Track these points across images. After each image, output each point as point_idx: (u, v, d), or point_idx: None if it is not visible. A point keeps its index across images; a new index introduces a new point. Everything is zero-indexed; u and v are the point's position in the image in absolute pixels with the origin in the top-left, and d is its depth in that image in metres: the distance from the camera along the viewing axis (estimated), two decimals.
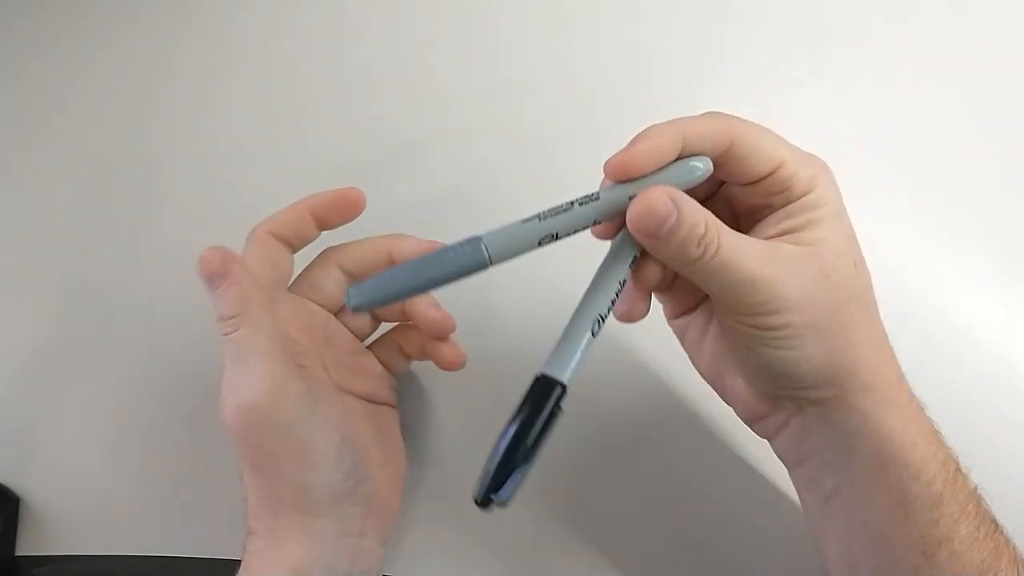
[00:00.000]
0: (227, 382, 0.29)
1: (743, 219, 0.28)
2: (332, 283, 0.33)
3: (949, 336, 0.38)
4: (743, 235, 0.25)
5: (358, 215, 0.33)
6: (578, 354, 0.24)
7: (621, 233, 0.26)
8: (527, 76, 0.45)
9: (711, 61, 0.44)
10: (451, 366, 0.33)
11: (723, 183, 0.29)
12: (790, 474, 0.30)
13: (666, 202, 0.23)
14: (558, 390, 0.23)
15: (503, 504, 0.22)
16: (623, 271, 0.26)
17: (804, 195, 0.25)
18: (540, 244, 0.24)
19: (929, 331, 0.38)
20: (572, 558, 0.36)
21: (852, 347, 0.25)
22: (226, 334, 0.29)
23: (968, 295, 0.39)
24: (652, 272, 0.27)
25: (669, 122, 0.25)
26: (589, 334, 0.24)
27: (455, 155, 0.44)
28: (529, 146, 0.44)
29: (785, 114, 0.42)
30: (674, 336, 0.32)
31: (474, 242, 0.23)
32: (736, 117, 0.26)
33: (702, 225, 0.24)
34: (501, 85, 0.45)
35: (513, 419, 0.23)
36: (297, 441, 0.29)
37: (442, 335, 0.33)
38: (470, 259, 0.23)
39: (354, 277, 0.33)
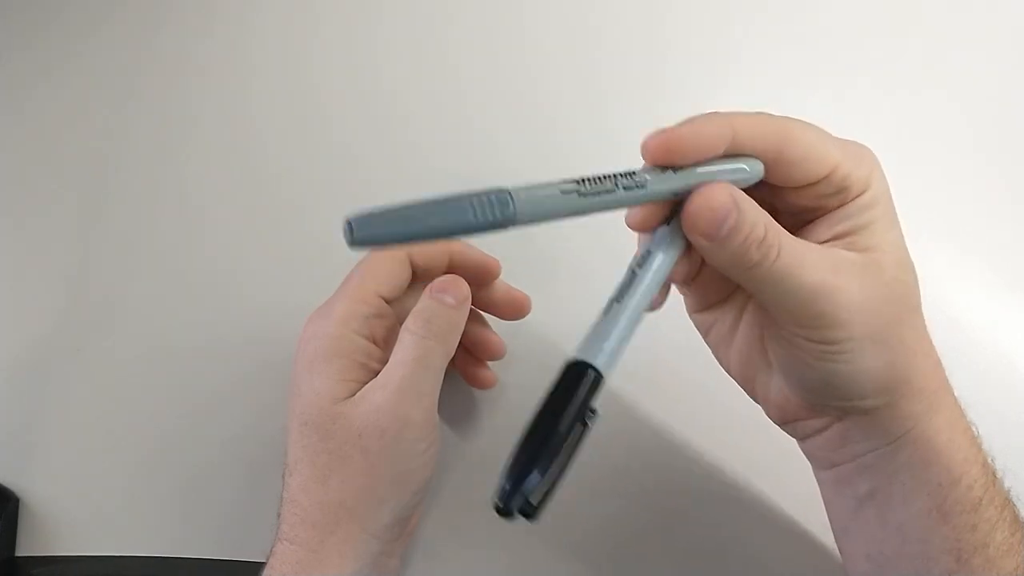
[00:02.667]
0: (386, 377, 0.29)
1: (786, 219, 0.26)
2: (405, 278, 0.33)
3: (948, 336, 0.38)
4: (802, 240, 0.23)
5: (487, 284, 0.34)
6: (617, 341, 0.21)
7: (671, 225, 0.24)
8: (541, 74, 0.45)
9: (719, 60, 0.45)
10: (483, 386, 0.37)
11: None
12: (817, 474, 0.29)
13: (727, 199, 0.22)
14: (591, 375, 0.20)
15: (528, 515, 0.18)
16: (668, 268, 0.23)
17: (860, 194, 0.24)
18: (569, 216, 0.21)
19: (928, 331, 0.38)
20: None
21: (909, 356, 0.24)
22: (414, 332, 0.29)
23: (967, 295, 0.39)
24: (681, 268, 0.25)
25: (719, 112, 0.23)
26: (630, 323, 0.21)
27: (468, 153, 0.44)
28: (544, 143, 0.44)
29: (779, 112, 0.42)
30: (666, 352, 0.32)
31: (502, 195, 0.20)
32: (788, 118, 0.24)
33: (762, 227, 0.22)
34: (516, 80, 0.45)
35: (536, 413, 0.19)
36: (408, 464, 0.29)
37: (520, 316, 0.35)
38: (495, 213, 0.19)
39: (419, 271, 0.33)
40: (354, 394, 0.29)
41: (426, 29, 0.47)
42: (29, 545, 0.38)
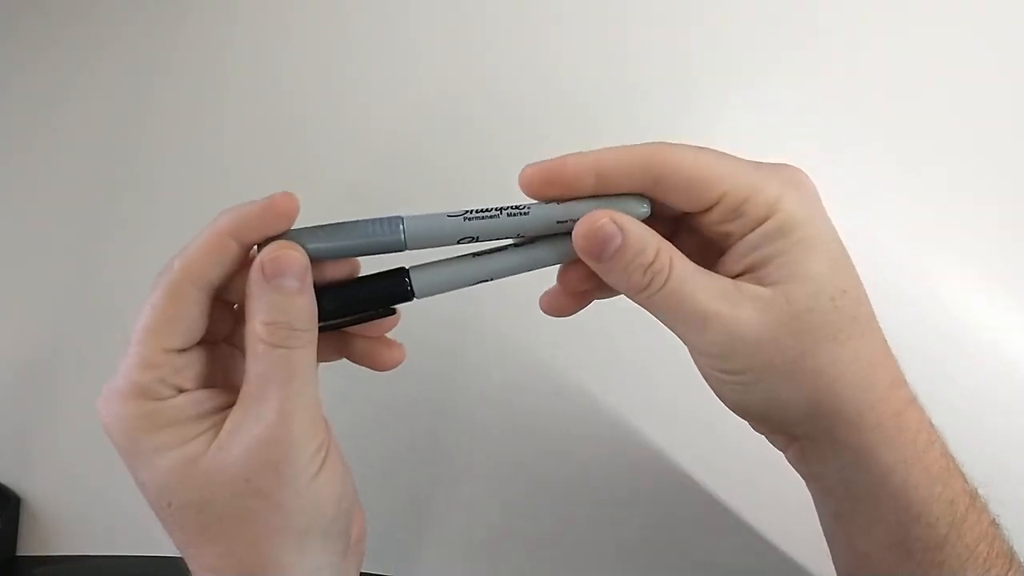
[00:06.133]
0: (255, 403, 0.23)
1: (713, 248, 0.25)
2: (200, 319, 0.25)
3: (948, 334, 0.38)
4: (703, 269, 0.23)
5: (291, 225, 0.24)
6: (446, 276, 0.24)
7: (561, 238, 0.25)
8: (540, 79, 0.45)
9: (719, 61, 0.44)
10: (391, 364, 0.28)
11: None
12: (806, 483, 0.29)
13: (609, 224, 0.22)
14: (402, 274, 0.24)
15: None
16: (538, 262, 0.25)
17: (764, 221, 0.23)
18: (459, 243, 0.24)
19: (928, 330, 0.38)
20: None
21: (830, 387, 0.23)
22: (278, 344, 0.23)
23: (967, 295, 0.39)
24: (575, 277, 0.25)
25: (586, 153, 0.23)
26: (471, 279, 0.24)
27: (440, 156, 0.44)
28: (536, 150, 0.44)
29: (782, 112, 0.42)
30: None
31: (395, 222, 0.23)
32: (667, 145, 0.23)
33: (652, 252, 0.22)
34: (510, 86, 0.45)
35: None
36: (315, 482, 0.23)
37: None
38: (387, 237, 0.23)
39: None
40: (210, 444, 0.23)
41: (425, 30, 0.47)
42: (30, 545, 0.38)
